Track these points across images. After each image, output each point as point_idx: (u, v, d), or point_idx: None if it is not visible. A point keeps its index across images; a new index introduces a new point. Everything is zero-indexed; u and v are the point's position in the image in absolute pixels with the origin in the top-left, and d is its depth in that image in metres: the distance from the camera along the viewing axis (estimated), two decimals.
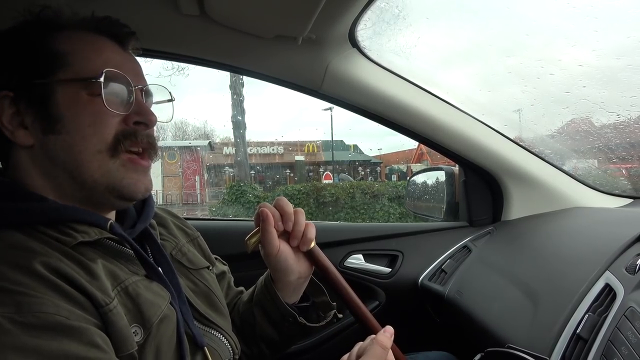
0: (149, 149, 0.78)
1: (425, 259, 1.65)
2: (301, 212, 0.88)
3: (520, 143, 1.59)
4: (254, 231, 0.88)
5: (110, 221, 0.73)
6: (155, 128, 0.83)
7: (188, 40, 1.35)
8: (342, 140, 18.81)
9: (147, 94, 0.80)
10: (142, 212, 0.86)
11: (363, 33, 1.36)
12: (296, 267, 0.91)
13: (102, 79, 0.71)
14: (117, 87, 0.74)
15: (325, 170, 16.23)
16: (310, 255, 0.90)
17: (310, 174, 16.43)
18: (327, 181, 13.29)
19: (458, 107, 1.55)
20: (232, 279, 1.13)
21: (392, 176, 16.52)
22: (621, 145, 1.51)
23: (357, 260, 1.66)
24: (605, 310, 0.83)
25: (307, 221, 0.89)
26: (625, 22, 1.19)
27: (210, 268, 0.98)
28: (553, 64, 1.33)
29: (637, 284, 0.83)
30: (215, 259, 1.07)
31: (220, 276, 1.06)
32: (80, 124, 0.71)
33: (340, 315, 1.04)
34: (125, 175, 0.74)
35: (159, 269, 0.78)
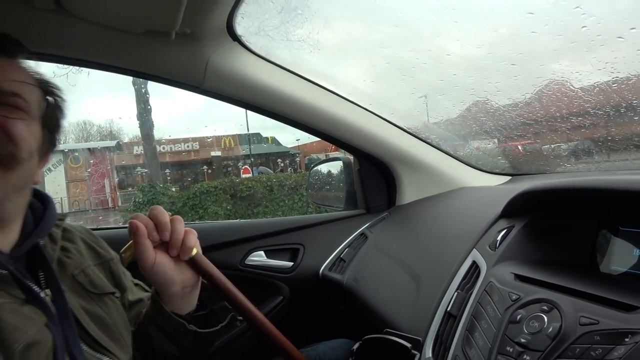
0: None
1: (325, 250, 1.67)
2: (179, 219, 0.87)
3: (408, 130, 1.65)
4: (128, 244, 0.84)
5: None
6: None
7: (47, 38, 1.22)
8: (259, 133, 18.58)
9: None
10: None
11: (243, 27, 1.32)
12: (178, 277, 0.87)
13: None
14: None
15: (244, 164, 15.95)
16: (193, 264, 0.88)
17: (229, 169, 16.05)
18: (246, 175, 13.05)
19: (346, 97, 1.57)
20: None
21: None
22: (494, 127, 1.64)
23: (258, 257, 1.64)
24: (471, 287, 0.88)
25: (187, 228, 0.87)
26: (480, 13, 1.29)
27: (117, 295, 0.93)
28: (423, 54, 1.40)
29: (496, 259, 0.89)
30: (136, 285, 1.04)
31: (137, 302, 1.02)
32: None
33: (240, 318, 1.02)
34: None
35: (47, 290, 0.74)
